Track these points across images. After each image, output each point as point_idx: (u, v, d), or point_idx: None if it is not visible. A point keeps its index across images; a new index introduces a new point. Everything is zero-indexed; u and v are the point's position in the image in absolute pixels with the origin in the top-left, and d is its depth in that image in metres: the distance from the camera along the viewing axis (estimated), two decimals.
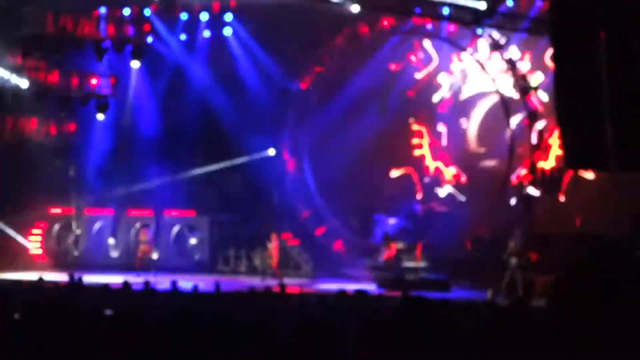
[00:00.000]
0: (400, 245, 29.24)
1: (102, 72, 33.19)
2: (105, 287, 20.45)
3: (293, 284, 26.63)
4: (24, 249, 33.25)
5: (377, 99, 32.37)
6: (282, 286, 23.74)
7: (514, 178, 30.50)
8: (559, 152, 26.76)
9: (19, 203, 33.28)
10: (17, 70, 32.53)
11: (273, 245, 30.15)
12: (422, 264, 29.11)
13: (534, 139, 29.53)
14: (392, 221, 31.42)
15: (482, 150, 32.46)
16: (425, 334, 8.07)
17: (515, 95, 30.41)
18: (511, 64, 30.13)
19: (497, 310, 17.75)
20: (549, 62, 27.47)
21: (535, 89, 29.44)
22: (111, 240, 34.14)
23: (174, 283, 22.73)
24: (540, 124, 29.13)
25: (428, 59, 32.44)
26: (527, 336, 7.33)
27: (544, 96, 29.38)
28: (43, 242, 33.70)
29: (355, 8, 27.98)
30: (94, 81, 33.11)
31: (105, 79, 33.24)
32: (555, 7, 24.50)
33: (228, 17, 32.73)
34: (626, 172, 23.22)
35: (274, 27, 32.13)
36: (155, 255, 32.09)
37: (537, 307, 12.72)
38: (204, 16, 32.80)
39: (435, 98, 32.50)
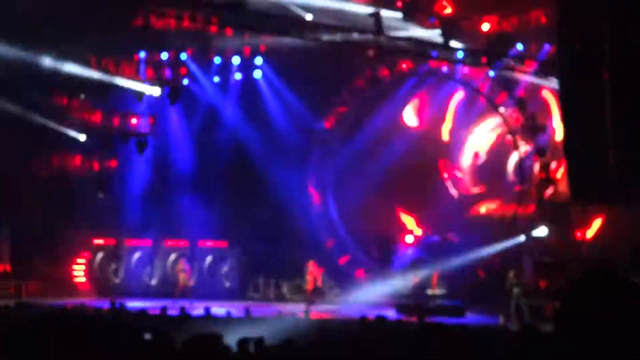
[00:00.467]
0: (421, 273, 29.32)
1: (141, 112, 33.49)
2: (144, 313, 20.65)
3: (319, 310, 26.64)
4: (69, 278, 33.28)
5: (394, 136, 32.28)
6: (307, 312, 23.91)
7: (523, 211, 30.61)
8: (566, 187, 26.76)
9: (64, 234, 33.48)
10: (64, 110, 32.86)
11: (310, 271, 30.26)
12: (439, 291, 29.18)
13: (542, 174, 29.64)
14: (410, 251, 31.48)
15: (487, 186, 32.47)
16: (440, 356, 8.24)
17: (524, 133, 30.54)
18: (521, 104, 30.27)
19: (508, 335, 17.91)
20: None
21: (543, 127, 29.49)
22: (149, 269, 34.15)
23: (207, 309, 22.92)
24: (548, 160, 29.15)
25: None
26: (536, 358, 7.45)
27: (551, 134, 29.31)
28: (87, 271, 33.70)
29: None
30: (134, 121, 33.53)
31: (145, 119, 33.60)
32: (562, 51, 24.78)
33: (258, 60, 32.98)
34: (630, 207, 23.38)
35: (300, 69, 32.19)
36: (191, 283, 32.19)
37: (546, 332, 12.82)
38: (236, 60, 33.04)
39: (445, 135, 32.58)
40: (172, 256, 33.74)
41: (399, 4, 28.75)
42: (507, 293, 25.22)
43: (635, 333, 2.80)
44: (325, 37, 27.85)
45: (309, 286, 29.76)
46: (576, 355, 2.87)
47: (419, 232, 32.23)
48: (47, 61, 30.81)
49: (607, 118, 22.61)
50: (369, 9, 27.67)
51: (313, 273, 29.91)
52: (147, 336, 11.48)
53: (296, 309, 25.48)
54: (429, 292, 29.02)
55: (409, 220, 32.30)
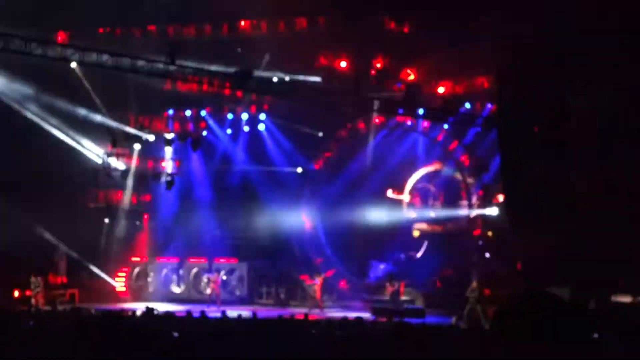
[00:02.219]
0: (394, 284, 29.29)
1: (169, 157, 33.62)
2: (171, 315, 20.57)
3: (309, 312, 26.52)
4: (112, 287, 33.17)
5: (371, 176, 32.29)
6: (306, 315, 23.76)
7: (472, 233, 30.66)
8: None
9: (108, 253, 33.45)
10: (108, 156, 32.87)
11: (318, 282, 30.24)
12: (406, 297, 29.16)
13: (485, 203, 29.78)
14: (382, 266, 31.42)
15: (444, 214, 32.46)
16: (406, 349, 8.24)
17: (471, 172, 30.66)
18: (469, 150, 30.37)
19: (459, 332, 17.82)
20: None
21: (487, 169, 29.55)
22: (175, 281, 34.11)
23: (223, 312, 22.79)
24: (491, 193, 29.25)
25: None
26: (480, 350, 7.40)
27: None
28: (126, 282, 33.61)
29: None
30: (163, 164, 33.55)
31: (172, 163, 33.66)
32: (501, 109, 24.91)
33: (262, 116, 33.11)
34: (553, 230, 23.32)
35: (294, 123, 32.15)
36: (218, 291, 32.12)
37: (486, 330, 12.86)
38: (245, 116, 33.20)
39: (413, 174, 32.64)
40: (194, 270, 33.72)
41: (373, 72, 28.90)
42: (466, 298, 25.29)
43: (550, 330, 2.84)
44: (315, 98, 27.83)
45: (317, 295, 29.81)
46: (506, 348, 2.93)
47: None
48: (97, 117, 30.95)
49: (538, 161, 22.75)
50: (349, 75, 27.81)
51: (319, 284, 29.97)
52: (175, 334, 11.47)
53: (293, 312, 25.31)
54: (401, 298, 29.00)
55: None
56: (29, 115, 29.01)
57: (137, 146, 33.46)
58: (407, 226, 32.24)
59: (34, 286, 29.39)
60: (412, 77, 29.32)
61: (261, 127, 33.46)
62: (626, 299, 22.62)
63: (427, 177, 32.56)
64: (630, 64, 20.74)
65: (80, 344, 9.20)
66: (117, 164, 33.27)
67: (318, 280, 30.12)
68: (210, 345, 9.41)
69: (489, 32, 23.92)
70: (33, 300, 28.85)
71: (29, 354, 9.52)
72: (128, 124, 32.74)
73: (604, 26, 20.56)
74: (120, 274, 33.70)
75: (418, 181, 32.53)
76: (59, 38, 26.16)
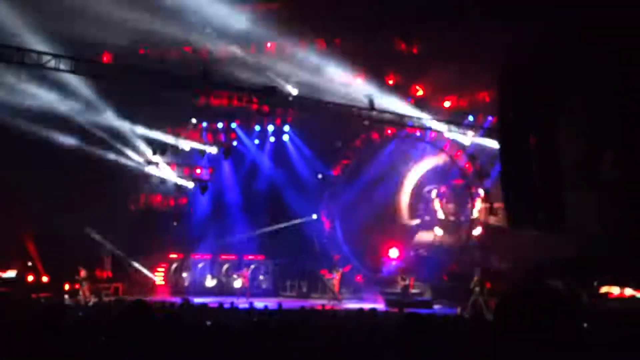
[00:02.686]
0: (405, 278, 29.27)
1: (203, 165, 33.79)
2: (205, 306, 20.70)
3: (328, 304, 26.59)
4: (152, 281, 33.39)
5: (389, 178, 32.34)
6: (323, 305, 23.84)
7: (475, 233, 30.62)
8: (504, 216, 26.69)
9: (149, 250, 33.59)
10: (148, 164, 33.04)
11: (336, 277, 30.35)
12: (416, 290, 29.16)
13: (487, 207, 29.70)
14: (394, 262, 31.45)
15: (451, 217, 32.45)
16: (416, 337, 8.31)
17: (474, 179, 30.63)
18: (472, 158, 30.34)
19: (463, 321, 17.87)
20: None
21: (489, 175, 29.49)
22: (208, 276, 34.18)
23: (250, 303, 22.97)
24: (492, 198, 29.18)
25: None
26: (483, 338, 7.39)
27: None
28: (164, 276, 33.80)
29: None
30: (198, 171, 33.90)
31: (206, 170, 33.89)
32: (501, 121, 24.89)
33: (286, 128, 33.30)
34: (547, 232, 23.32)
35: (315, 133, 32.33)
36: (238, 284, 32.16)
37: (489, 319, 12.92)
38: (270, 127, 33.39)
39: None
40: (225, 266, 33.88)
41: (388, 85, 28.84)
42: (470, 290, 25.28)
43: (547, 320, 2.91)
44: (334, 111, 27.84)
45: (335, 288, 29.91)
46: (507, 336, 2.99)
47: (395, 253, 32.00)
48: (139, 129, 31.15)
49: (534, 169, 22.77)
50: (366, 89, 27.81)
51: (338, 279, 30.05)
52: (208, 322, 11.66)
53: (314, 303, 25.41)
54: (409, 291, 28.99)
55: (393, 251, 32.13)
56: (78, 127, 29.14)
57: (174, 155, 33.64)
58: (416, 226, 32.32)
59: (82, 280, 29.56)
60: (420, 92, 29.37)
61: (285, 137, 33.74)
62: (614, 291, 22.62)
63: (435, 179, 32.57)
64: (613, 80, 20.85)
65: (125, 331, 9.37)
66: (156, 171, 33.54)
67: (336, 275, 30.23)
68: (239, 331, 9.52)
69: (489, 52, 23.97)
70: (81, 293, 29.03)
71: (80, 340, 9.72)
72: (166, 135, 32.88)
73: (587, 47, 20.60)
74: (159, 269, 33.98)
75: (427, 185, 32.56)
76: (105, 58, 26.27)
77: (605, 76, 21.05)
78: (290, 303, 26.49)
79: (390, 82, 28.94)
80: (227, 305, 21.77)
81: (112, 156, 31.43)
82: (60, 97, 27.42)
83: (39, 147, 27.67)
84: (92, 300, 27.93)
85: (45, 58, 22.86)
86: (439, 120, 29.25)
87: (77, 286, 29.36)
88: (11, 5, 22.73)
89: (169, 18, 24.18)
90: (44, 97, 27.06)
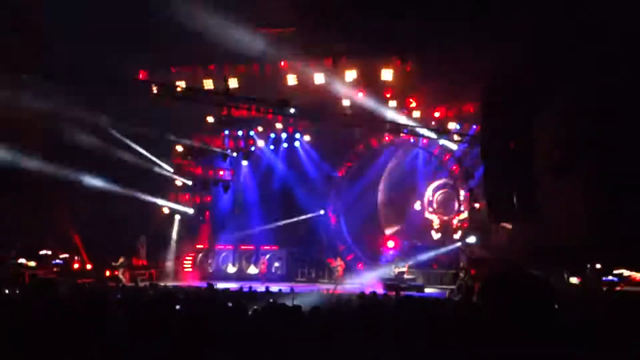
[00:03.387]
0: (400, 266, 29.31)
1: (225, 167, 33.86)
2: (227, 290, 20.72)
3: (334, 288, 26.57)
4: (182, 268, 33.46)
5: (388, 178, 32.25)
6: (331, 289, 23.81)
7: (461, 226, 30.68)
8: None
9: (178, 242, 33.72)
10: (177, 168, 33.18)
11: (341, 264, 30.38)
12: (410, 276, 29.17)
13: (472, 203, 29.71)
14: (392, 251, 31.49)
15: (440, 212, 32.46)
16: (410, 316, 8.28)
17: (461, 179, 30.65)
18: (459, 161, 30.36)
19: (452, 303, 17.80)
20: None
21: (473, 176, 29.48)
22: (230, 264, 34.25)
23: (267, 287, 22.95)
24: (476, 194, 29.19)
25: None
26: (470, 317, 7.34)
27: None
28: (192, 264, 33.86)
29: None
30: (221, 172, 33.97)
31: (228, 171, 33.95)
32: (484, 129, 24.84)
33: (297, 135, 33.26)
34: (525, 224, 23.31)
35: (323, 139, 32.47)
36: (255, 270, 32.26)
37: (475, 302, 12.89)
38: (284, 135, 33.36)
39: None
40: (245, 255, 33.99)
41: (387, 98, 28.80)
42: (456, 276, 25.28)
43: (524, 300, 2.93)
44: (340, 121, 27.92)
45: (340, 274, 29.93)
46: (491, 316, 3.01)
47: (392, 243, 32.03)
48: (171, 137, 31.29)
49: (512, 170, 22.77)
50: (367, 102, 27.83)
51: (342, 266, 30.08)
52: (229, 304, 11.64)
53: (322, 287, 25.43)
54: (406, 277, 29.03)
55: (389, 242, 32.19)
56: (115, 138, 29.35)
57: (200, 159, 33.73)
58: (413, 222, 32.33)
59: (121, 267, 29.70)
60: (414, 104, 29.34)
61: (297, 143, 33.69)
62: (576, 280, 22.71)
63: (426, 180, 32.74)
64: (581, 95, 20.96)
65: (159, 311, 9.37)
66: (185, 173, 33.71)
67: (341, 263, 30.27)
68: (256, 312, 9.50)
69: (474, 71, 24.01)
70: (122, 278, 29.16)
71: (119, 319, 9.73)
72: (193, 142, 32.96)
73: (558, 67, 20.70)
74: (187, 257, 34.02)
75: (420, 185, 32.64)
76: (140, 75, 26.33)
77: (574, 92, 21.21)
78: (301, 287, 26.56)
79: (388, 95, 28.91)
80: (246, 289, 21.78)
81: (147, 160, 31.57)
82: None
83: (86, 156, 27.85)
84: (129, 284, 28.00)
85: None
86: (429, 129, 29.22)
87: (116, 272, 29.52)
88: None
89: (198, 40, 24.26)
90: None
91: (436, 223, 31.96)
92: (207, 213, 35.32)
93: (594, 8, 17.51)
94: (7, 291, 17.72)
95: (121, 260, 29.78)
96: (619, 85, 20.04)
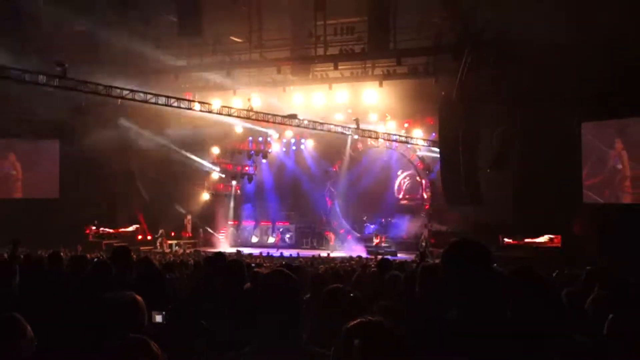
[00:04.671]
0: (379, 237, 29.46)
1: (250, 164, 33.90)
2: (251, 255, 20.95)
3: (330, 253, 26.72)
4: (218, 239, 33.49)
5: (369, 172, 32.21)
6: (328, 254, 23.97)
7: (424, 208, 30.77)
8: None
9: (216, 219, 33.94)
10: (213, 164, 33.24)
11: (331, 236, 30.67)
12: (386, 244, 29.32)
13: (431, 191, 29.84)
14: (372, 226, 31.59)
15: (409, 197, 32.48)
16: (386, 272, 8.36)
17: (423, 172, 30.75)
18: (422, 159, 30.47)
19: (417, 264, 17.89)
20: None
21: (432, 170, 29.60)
22: (253, 236, 34.24)
23: (281, 253, 23.12)
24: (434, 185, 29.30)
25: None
26: (430, 271, 7.34)
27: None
28: (225, 235, 33.91)
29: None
30: (246, 168, 33.94)
31: (251, 167, 34.01)
32: (440, 136, 24.85)
33: (302, 140, 33.34)
34: (471, 206, 23.43)
35: (322, 144, 32.40)
36: (272, 240, 32.36)
37: (435, 263, 13.00)
38: (293, 140, 33.48)
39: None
40: (264, 229, 34.10)
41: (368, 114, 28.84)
42: (419, 242, 25.46)
43: (472, 261, 2.90)
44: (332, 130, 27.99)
45: (331, 242, 30.16)
46: (448, 271, 2.96)
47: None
48: (209, 142, 31.38)
49: (461, 165, 22.89)
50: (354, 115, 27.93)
51: (332, 237, 30.30)
52: (253, 265, 11.79)
53: (321, 253, 25.58)
54: (383, 245, 29.17)
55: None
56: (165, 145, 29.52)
57: (231, 157, 33.90)
58: (388, 205, 32.37)
59: (160, 237, 29.75)
60: (389, 118, 29.45)
61: (302, 146, 33.77)
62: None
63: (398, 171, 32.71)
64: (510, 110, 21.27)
65: (202, 272, 9.44)
66: (221, 168, 33.87)
67: (332, 234, 30.61)
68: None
69: (433, 95, 24.26)
70: (158, 245, 29.20)
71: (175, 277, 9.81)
72: (226, 145, 33.01)
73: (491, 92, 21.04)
74: (222, 231, 34.10)
75: (394, 175, 32.71)
76: (188, 96, 26.39)
77: (504, 109, 21.56)
78: (306, 253, 26.72)
79: (370, 110, 29.01)
80: (265, 254, 22.06)
81: (191, 159, 31.72)
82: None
83: (148, 156, 28.14)
84: (167, 250, 28.02)
85: (143, 96, 22.86)
86: (401, 135, 29.32)
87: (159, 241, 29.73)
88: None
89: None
90: None
91: (405, 206, 31.92)
92: (237, 198, 35.37)
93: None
94: (88, 255, 17.89)
95: (160, 231, 29.91)
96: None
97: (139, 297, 3.38)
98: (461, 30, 20.08)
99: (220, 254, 6.47)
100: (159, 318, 4.14)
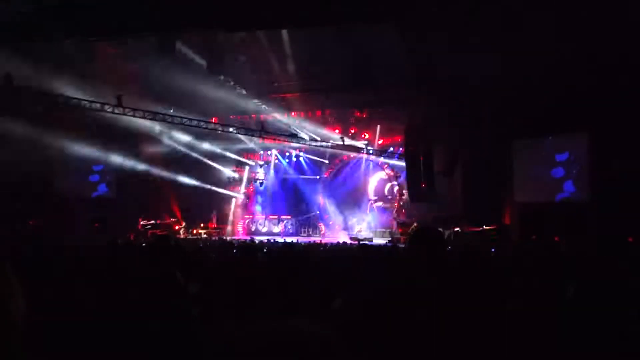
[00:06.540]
0: (359, 227, 29.37)
1: (260, 171, 33.61)
2: (261, 242, 20.83)
3: (322, 240, 26.60)
4: (237, 229, 33.37)
5: (352, 178, 32.01)
6: (320, 240, 23.75)
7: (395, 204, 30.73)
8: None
9: (235, 214, 33.65)
10: (233, 172, 33.09)
11: (322, 227, 30.42)
12: (365, 233, 29.26)
13: (401, 192, 29.80)
14: (354, 219, 31.48)
15: (380, 196, 32.38)
16: (366, 255, 8.33)
17: (394, 177, 30.72)
18: (392, 168, 30.45)
19: (389, 248, 17.83)
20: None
21: (400, 176, 29.57)
22: (263, 226, 34.02)
23: (284, 239, 23.03)
24: (402, 187, 29.25)
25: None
26: (400, 255, 7.28)
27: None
28: (243, 226, 33.79)
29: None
30: (257, 174, 33.54)
31: (262, 174, 33.66)
32: (406, 151, 24.76)
33: (301, 153, 33.15)
34: (429, 203, 23.40)
35: (316, 156, 32.18)
36: (278, 229, 32.21)
37: (403, 247, 12.96)
38: (294, 153, 33.27)
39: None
40: (272, 220, 33.83)
41: (351, 133, 28.85)
42: (391, 233, 25.32)
43: (432, 245, 2.80)
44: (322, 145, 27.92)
45: (322, 232, 30.00)
46: (412, 252, 2.86)
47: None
48: (228, 154, 31.13)
49: (422, 172, 22.94)
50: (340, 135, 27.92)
51: (323, 227, 30.14)
52: (264, 249, 11.66)
53: (315, 240, 25.47)
54: (364, 233, 29.07)
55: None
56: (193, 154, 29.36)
57: (247, 167, 33.65)
58: (365, 203, 32.26)
59: (182, 228, 29.55)
60: (367, 136, 29.47)
61: (301, 158, 33.55)
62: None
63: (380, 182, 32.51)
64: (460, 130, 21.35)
65: (224, 255, 9.38)
66: (236, 175, 33.61)
67: (322, 226, 30.51)
68: (276, 255, 9.52)
69: (400, 118, 24.26)
70: (182, 234, 29.03)
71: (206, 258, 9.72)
72: (242, 157, 32.86)
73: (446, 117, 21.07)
74: (239, 223, 33.79)
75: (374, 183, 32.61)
76: (214, 120, 26.26)
77: (454, 129, 21.60)
78: (303, 239, 26.64)
79: (352, 131, 29.06)
80: (272, 240, 21.93)
81: (214, 167, 31.56)
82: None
83: (182, 163, 27.99)
84: (186, 236, 27.84)
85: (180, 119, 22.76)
86: (376, 149, 29.36)
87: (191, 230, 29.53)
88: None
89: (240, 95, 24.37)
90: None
91: (379, 203, 31.85)
92: (250, 198, 35.09)
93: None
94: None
95: (183, 224, 29.73)
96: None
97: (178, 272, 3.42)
98: (421, 74, 20.06)
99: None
100: (194, 288, 4.15)
